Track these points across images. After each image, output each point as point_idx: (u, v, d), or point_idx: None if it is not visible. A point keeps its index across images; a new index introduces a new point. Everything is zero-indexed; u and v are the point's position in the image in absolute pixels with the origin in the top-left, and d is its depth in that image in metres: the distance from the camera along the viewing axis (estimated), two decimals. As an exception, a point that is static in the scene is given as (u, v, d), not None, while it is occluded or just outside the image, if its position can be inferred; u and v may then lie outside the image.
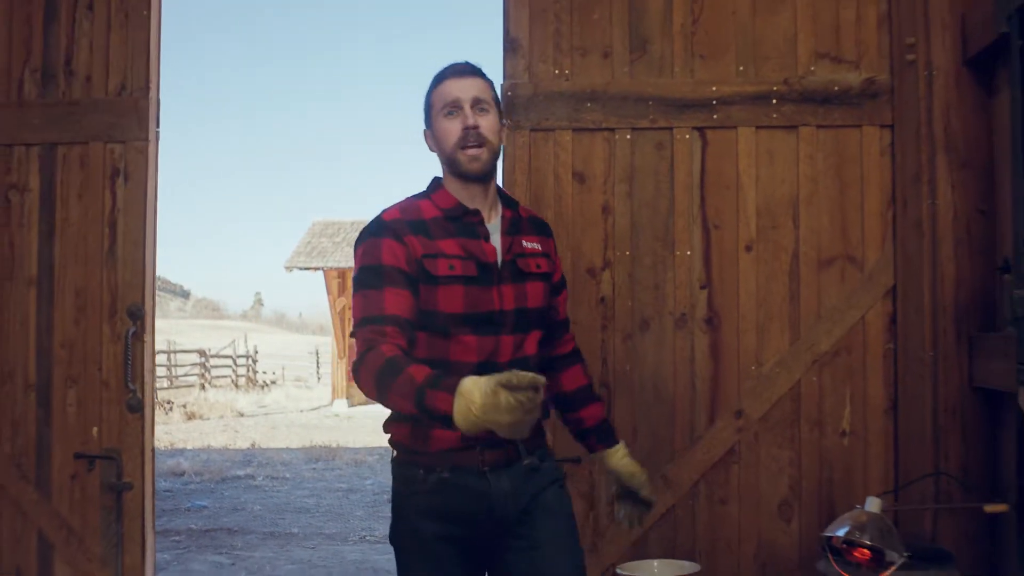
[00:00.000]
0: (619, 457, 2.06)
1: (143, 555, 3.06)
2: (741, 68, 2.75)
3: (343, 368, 18.32)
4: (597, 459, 2.11)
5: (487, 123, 1.82)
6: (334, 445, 10.62)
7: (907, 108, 2.61)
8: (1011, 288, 2.01)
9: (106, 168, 3.07)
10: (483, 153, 1.81)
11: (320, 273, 18.38)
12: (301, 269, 18.14)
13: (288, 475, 8.01)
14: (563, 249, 2.63)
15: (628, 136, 2.76)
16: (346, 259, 17.96)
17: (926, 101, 2.53)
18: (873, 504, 2.03)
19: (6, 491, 3.10)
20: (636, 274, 2.75)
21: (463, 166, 1.82)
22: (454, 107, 1.82)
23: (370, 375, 1.65)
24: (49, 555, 3.09)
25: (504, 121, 1.92)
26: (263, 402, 18.78)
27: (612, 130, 2.74)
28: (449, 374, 1.60)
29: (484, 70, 1.90)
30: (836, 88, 2.71)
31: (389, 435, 1.91)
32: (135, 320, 3.05)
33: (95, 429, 3.06)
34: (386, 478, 7.66)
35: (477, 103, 1.82)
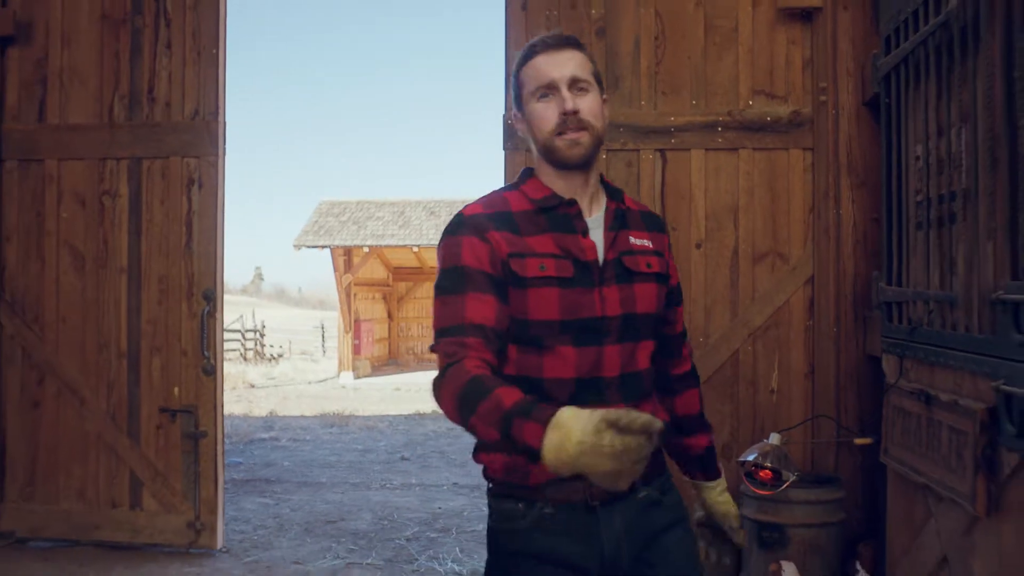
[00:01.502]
0: (718, 493, 1.76)
1: (216, 490, 3.82)
2: (694, 102, 3.44)
3: (349, 342, 18.96)
4: (693, 487, 1.80)
5: (588, 105, 1.56)
6: (346, 413, 11.29)
7: (821, 137, 3.31)
8: (877, 282, 2.73)
9: (183, 178, 3.77)
10: (584, 137, 1.55)
11: (327, 251, 18.98)
12: (309, 247, 18.72)
13: (308, 438, 8.71)
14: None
15: (604, 156, 3.45)
16: (351, 238, 18.57)
17: (833, 133, 3.23)
18: (775, 438, 2.75)
19: (103, 438, 3.84)
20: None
21: (562, 153, 1.56)
22: (549, 89, 1.55)
23: (451, 396, 1.40)
24: (139, 490, 3.84)
25: (604, 96, 1.63)
26: (272, 374, 19.37)
27: (591, 151, 3.43)
28: (543, 397, 1.44)
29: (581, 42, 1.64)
30: (769, 119, 3.40)
31: (482, 466, 1.61)
32: (208, 301, 3.77)
33: (176, 389, 3.80)
34: (397, 440, 8.32)
35: (575, 83, 1.55)
